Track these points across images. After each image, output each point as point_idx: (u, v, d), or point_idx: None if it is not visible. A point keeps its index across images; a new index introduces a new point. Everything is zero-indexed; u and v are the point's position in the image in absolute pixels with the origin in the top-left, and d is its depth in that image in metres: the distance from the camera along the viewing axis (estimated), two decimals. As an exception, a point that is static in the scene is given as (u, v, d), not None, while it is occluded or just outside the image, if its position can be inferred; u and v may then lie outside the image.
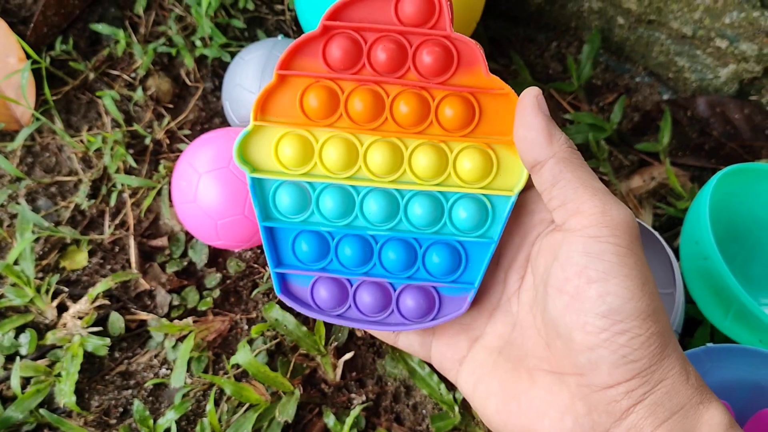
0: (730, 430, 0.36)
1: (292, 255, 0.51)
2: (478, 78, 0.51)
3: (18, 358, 0.74)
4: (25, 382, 0.74)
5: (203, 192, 0.71)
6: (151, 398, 0.75)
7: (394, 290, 0.51)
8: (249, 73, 0.78)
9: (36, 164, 0.83)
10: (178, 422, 0.72)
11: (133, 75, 0.86)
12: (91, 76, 0.85)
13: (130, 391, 0.75)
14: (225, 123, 0.87)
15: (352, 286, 0.51)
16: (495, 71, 0.94)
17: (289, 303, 0.50)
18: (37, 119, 0.82)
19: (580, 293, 0.36)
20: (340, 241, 0.51)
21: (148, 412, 0.72)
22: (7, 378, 0.73)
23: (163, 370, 0.76)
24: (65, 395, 0.72)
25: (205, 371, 0.75)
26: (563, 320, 0.37)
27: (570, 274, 0.37)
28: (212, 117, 0.87)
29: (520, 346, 0.42)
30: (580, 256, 0.37)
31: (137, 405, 0.73)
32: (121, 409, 0.75)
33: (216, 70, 0.88)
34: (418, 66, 0.51)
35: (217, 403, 0.73)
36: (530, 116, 0.42)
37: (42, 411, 0.71)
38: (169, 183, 0.81)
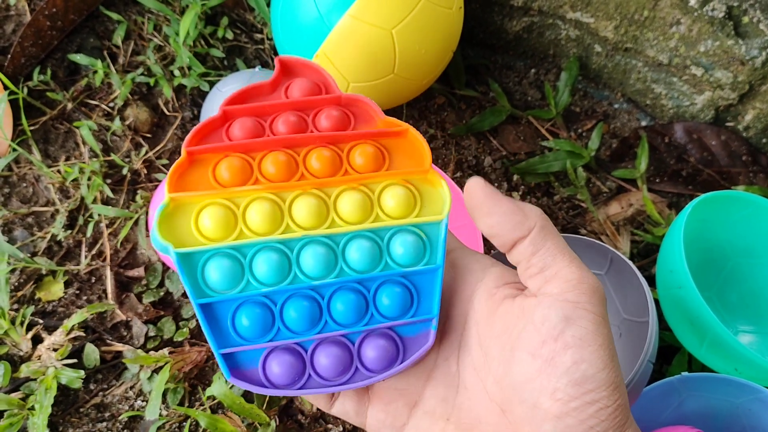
0: None
1: (233, 333, 0.48)
2: (375, 125, 0.53)
3: (-9, 391, 0.74)
4: (-1, 415, 0.73)
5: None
6: (125, 431, 0.74)
7: (353, 344, 0.49)
8: (226, 104, 0.78)
9: (12, 194, 0.83)
10: (152, 455, 0.72)
11: (111, 105, 0.86)
12: (69, 106, 0.85)
13: (104, 424, 0.75)
14: (203, 152, 0.86)
15: (306, 351, 0.48)
16: (473, 99, 0.94)
17: (242, 386, 0.47)
18: (14, 150, 0.82)
19: (554, 358, 0.36)
20: (283, 306, 0.48)
21: (122, 446, 0.72)
22: None
23: (139, 402, 0.76)
24: (38, 429, 0.71)
25: (181, 403, 0.75)
26: (531, 385, 0.37)
27: (546, 338, 0.37)
28: (191, 146, 0.87)
29: (469, 411, 0.41)
30: (558, 320, 0.37)
31: (111, 438, 0.72)
32: (95, 442, 0.74)
33: (195, 99, 0.88)
34: (320, 130, 0.52)
35: (192, 436, 0.73)
36: (491, 204, 0.42)
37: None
38: (147, 213, 0.81)
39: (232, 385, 0.74)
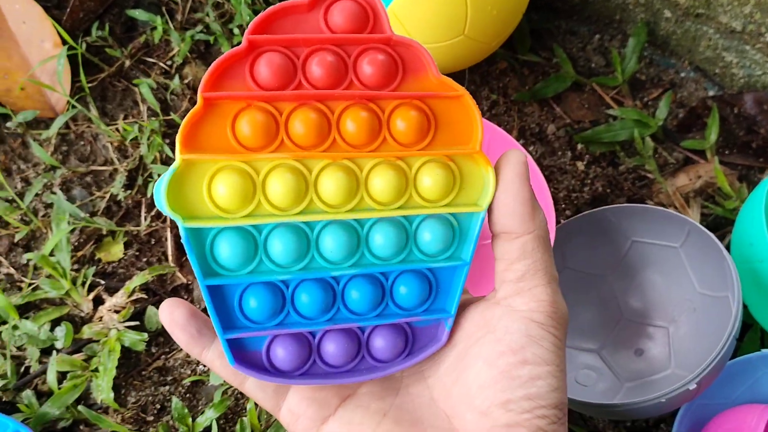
0: None
1: (241, 315, 0.43)
2: (427, 82, 0.46)
3: (54, 352, 0.73)
4: (61, 376, 0.72)
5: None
6: (188, 395, 0.73)
7: (363, 333, 0.45)
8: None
9: (71, 153, 0.81)
10: (216, 421, 0.71)
11: (169, 63, 0.84)
12: (127, 63, 0.83)
13: (167, 388, 0.74)
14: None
15: (314, 338, 0.44)
16: (536, 64, 0.92)
17: (245, 373, 0.42)
18: (73, 107, 0.80)
19: (511, 371, 0.37)
20: (296, 289, 0.44)
21: (186, 410, 0.71)
22: (43, 372, 0.72)
23: (201, 367, 0.75)
24: (103, 391, 0.70)
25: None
26: (484, 393, 0.37)
27: (506, 350, 0.37)
28: (249, 107, 0.85)
29: (411, 412, 0.41)
30: (521, 335, 0.37)
31: (176, 402, 0.71)
32: (158, 406, 0.73)
33: (253, 59, 0.86)
34: (360, 78, 0.45)
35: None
36: (517, 185, 0.40)
37: (80, 407, 0.70)
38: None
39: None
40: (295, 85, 0.43)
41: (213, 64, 0.41)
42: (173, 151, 0.80)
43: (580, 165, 0.87)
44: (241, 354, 0.42)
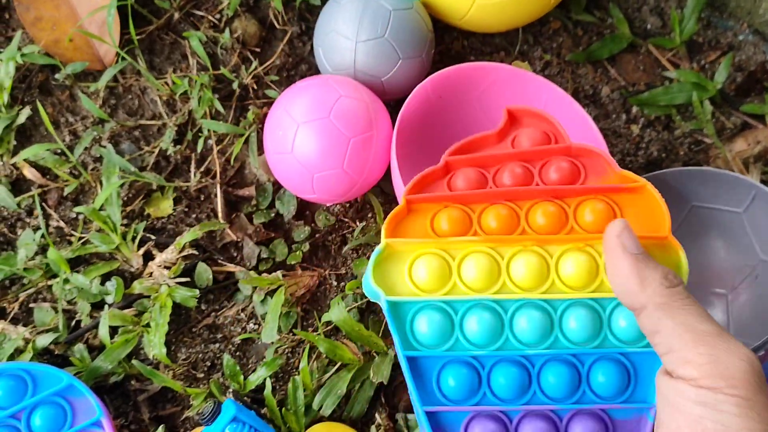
0: None
1: (437, 391, 0.46)
2: (608, 178, 0.48)
3: (105, 306, 0.72)
4: (113, 331, 0.71)
5: (301, 143, 0.68)
6: (238, 353, 0.73)
7: (561, 420, 0.45)
8: (345, 19, 0.74)
9: (119, 106, 0.79)
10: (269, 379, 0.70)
11: (218, 16, 0.82)
12: (176, 15, 0.81)
13: (217, 345, 0.73)
14: (312, 70, 0.83)
15: (512, 422, 0.45)
16: (590, 24, 0.89)
17: None
18: (122, 59, 0.78)
19: None
20: (492, 370, 0.45)
21: (238, 367, 0.70)
22: (95, 326, 0.71)
23: (251, 325, 0.74)
24: (155, 347, 0.70)
25: (294, 328, 0.73)
26: None
27: (682, 424, 0.34)
28: (299, 63, 0.83)
29: None
30: (693, 405, 0.34)
31: (227, 360, 0.70)
32: (208, 363, 0.72)
33: (303, 14, 0.84)
34: (546, 183, 0.48)
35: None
36: (616, 259, 0.39)
37: (134, 362, 0.69)
38: (258, 131, 0.78)
39: (351, 309, 0.72)
40: (487, 190, 0.48)
41: (415, 177, 0.47)
42: (223, 105, 0.78)
43: (635, 128, 0.85)
44: (440, 430, 0.45)
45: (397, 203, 0.77)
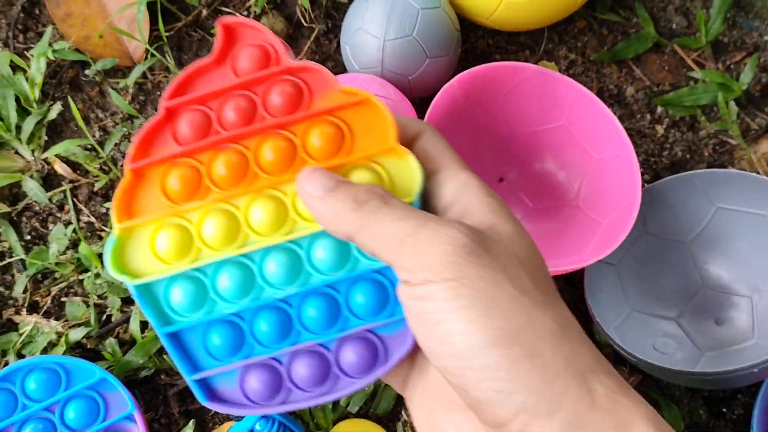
0: None
1: (206, 354, 0.46)
2: (334, 97, 0.47)
3: (135, 301, 0.73)
4: (143, 325, 0.72)
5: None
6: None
7: (329, 351, 0.46)
8: (373, 17, 0.74)
9: (148, 102, 0.80)
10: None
11: (245, 13, 0.82)
12: (204, 12, 0.82)
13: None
14: (338, 68, 0.83)
15: (282, 364, 0.46)
16: (615, 24, 0.89)
17: (220, 409, 0.45)
18: (152, 55, 0.79)
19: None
20: (253, 320, 0.46)
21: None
22: (125, 321, 0.72)
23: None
24: (185, 342, 0.70)
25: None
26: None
27: (415, 324, 0.36)
28: (325, 60, 0.83)
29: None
30: (414, 303, 0.35)
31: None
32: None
33: (329, 12, 0.84)
34: (271, 111, 0.47)
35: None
36: (309, 208, 0.40)
37: (164, 356, 0.70)
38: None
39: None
40: (212, 134, 0.46)
41: (135, 137, 0.45)
42: (251, 103, 0.79)
43: (660, 129, 0.85)
44: (217, 393, 0.45)
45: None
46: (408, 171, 0.45)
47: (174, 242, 0.45)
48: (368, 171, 0.46)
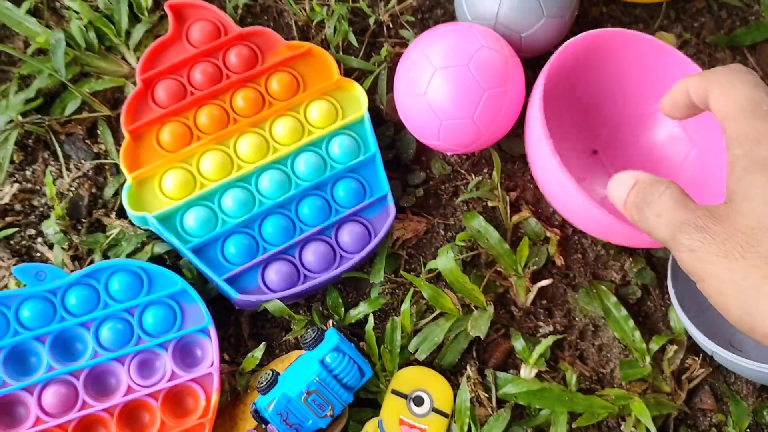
0: None
1: (225, 262, 0.64)
2: (282, 51, 0.68)
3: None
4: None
5: (435, 88, 0.68)
6: (339, 286, 0.73)
7: (329, 237, 0.66)
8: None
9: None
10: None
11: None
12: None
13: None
14: (446, 17, 0.82)
15: (293, 257, 0.65)
16: (736, 8, 0.86)
17: (250, 299, 0.63)
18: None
19: None
20: (261, 227, 0.65)
21: (341, 300, 0.71)
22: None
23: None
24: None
25: (396, 271, 0.73)
26: None
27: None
28: (434, 7, 0.82)
29: None
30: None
31: (331, 291, 0.71)
32: (311, 290, 0.74)
33: (445, -43, 0.82)
34: (233, 70, 0.67)
35: (407, 304, 0.72)
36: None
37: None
38: (388, 69, 0.77)
39: (458, 259, 0.72)
40: (188, 95, 0.67)
41: (123, 108, 0.64)
42: (357, 40, 0.78)
43: None
44: (242, 289, 0.64)
45: (525, 163, 0.76)
46: (355, 96, 0.69)
47: (179, 181, 0.63)
48: (323, 101, 0.68)
